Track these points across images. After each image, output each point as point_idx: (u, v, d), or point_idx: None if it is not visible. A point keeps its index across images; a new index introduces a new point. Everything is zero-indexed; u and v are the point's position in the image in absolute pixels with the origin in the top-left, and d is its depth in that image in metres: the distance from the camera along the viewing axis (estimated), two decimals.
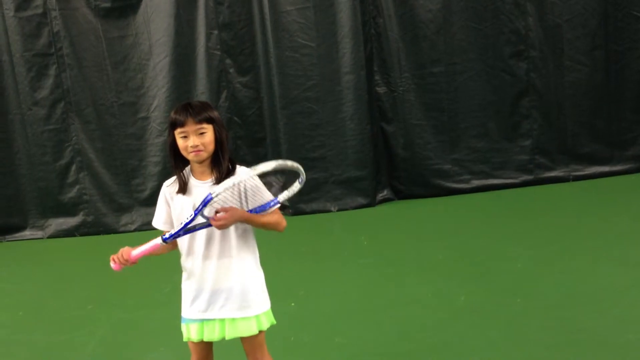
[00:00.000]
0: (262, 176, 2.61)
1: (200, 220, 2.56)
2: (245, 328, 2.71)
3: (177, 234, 2.57)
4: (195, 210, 2.52)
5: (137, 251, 2.61)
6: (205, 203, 2.49)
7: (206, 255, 2.68)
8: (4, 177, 8.14)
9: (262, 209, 2.66)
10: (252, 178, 2.62)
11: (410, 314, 4.34)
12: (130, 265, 2.64)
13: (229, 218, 2.53)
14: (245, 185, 2.63)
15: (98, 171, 8.03)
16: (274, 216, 2.72)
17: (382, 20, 7.61)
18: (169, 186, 2.77)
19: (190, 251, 2.70)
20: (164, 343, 4.20)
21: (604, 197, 6.91)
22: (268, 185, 2.68)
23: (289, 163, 2.63)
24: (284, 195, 2.70)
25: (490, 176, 7.79)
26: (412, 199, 7.86)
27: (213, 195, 2.48)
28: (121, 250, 2.64)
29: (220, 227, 2.54)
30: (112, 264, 2.66)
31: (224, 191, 2.51)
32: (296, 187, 2.70)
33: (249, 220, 2.63)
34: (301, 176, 2.68)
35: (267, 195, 2.68)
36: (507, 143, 7.75)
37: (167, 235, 2.57)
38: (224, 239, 2.67)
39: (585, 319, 3.90)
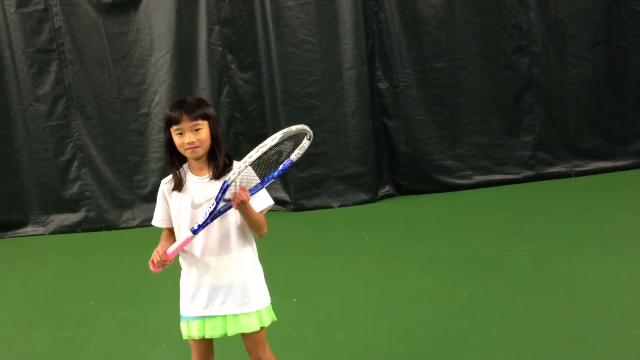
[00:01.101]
0: (272, 147, 2.58)
1: (220, 205, 2.57)
2: (247, 324, 2.71)
3: (206, 223, 2.56)
4: (216, 198, 2.52)
5: (172, 249, 2.61)
6: (224, 190, 2.50)
7: (205, 252, 2.67)
8: (6, 173, 8.15)
9: (257, 189, 2.63)
10: (247, 167, 2.59)
11: (412, 309, 4.34)
12: (168, 264, 2.64)
13: (247, 194, 2.53)
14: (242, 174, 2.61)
15: (100, 167, 8.03)
16: (262, 217, 2.71)
17: (384, 16, 7.59)
18: (167, 183, 2.77)
19: (189, 247, 2.70)
20: (166, 339, 4.21)
21: (607, 193, 6.89)
22: (278, 155, 2.67)
23: (294, 128, 2.60)
24: (295, 154, 2.68)
25: (492, 172, 7.77)
26: (414, 195, 7.85)
27: (229, 182, 2.49)
28: (155, 252, 2.63)
29: (239, 206, 2.53)
30: (151, 267, 2.66)
31: (238, 175, 2.50)
32: (306, 143, 2.68)
33: (248, 209, 2.59)
34: (308, 133, 2.66)
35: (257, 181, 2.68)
36: (509, 139, 7.74)
37: (195, 227, 2.56)
38: (224, 235, 2.67)
39: (589, 314, 3.89)
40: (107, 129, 7.98)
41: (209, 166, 2.69)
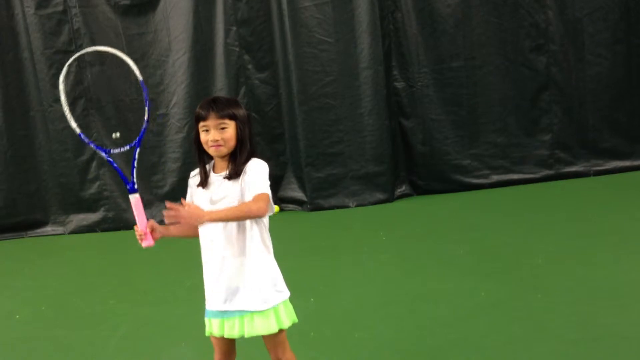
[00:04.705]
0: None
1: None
2: (263, 326, 2.68)
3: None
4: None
5: (137, 220, 2.76)
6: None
7: (224, 255, 2.67)
8: (26, 173, 8.24)
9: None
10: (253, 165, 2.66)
11: (430, 309, 4.34)
12: (148, 231, 2.78)
13: (179, 217, 2.57)
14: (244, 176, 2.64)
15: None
16: (245, 205, 2.58)
17: (401, 15, 7.60)
18: (193, 178, 2.80)
19: (208, 249, 2.72)
20: (185, 338, 4.23)
21: (625, 192, 6.85)
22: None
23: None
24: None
25: (510, 171, 7.75)
26: (431, 195, 7.85)
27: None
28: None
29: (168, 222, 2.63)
30: (144, 244, 2.76)
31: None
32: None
33: (212, 220, 2.56)
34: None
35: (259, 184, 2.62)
36: (527, 138, 7.71)
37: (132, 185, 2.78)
38: (242, 238, 2.67)
39: (608, 314, 3.87)
40: (125, 129, 8.02)
41: (228, 166, 2.71)
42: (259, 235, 2.70)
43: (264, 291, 2.69)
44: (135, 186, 2.74)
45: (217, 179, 2.71)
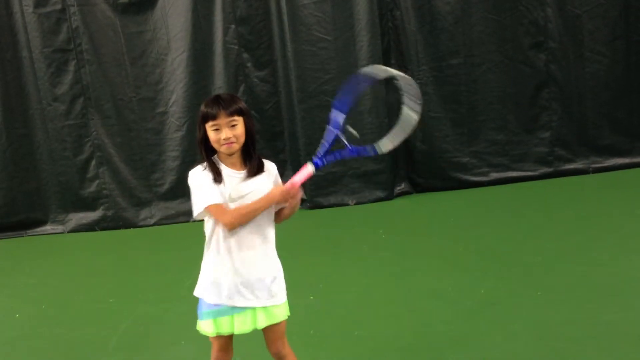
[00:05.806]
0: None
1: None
2: (277, 314, 2.76)
3: (326, 157, 2.81)
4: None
5: (297, 180, 2.69)
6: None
7: (242, 246, 2.68)
8: (25, 172, 8.22)
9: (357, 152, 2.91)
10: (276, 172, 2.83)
11: (430, 307, 4.34)
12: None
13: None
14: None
15: (117, 166, 8.09)
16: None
17: (400, 13, 7.58)
18: (203, 172, 2.69)
19: (225, 241, 2.68)
20: (185, 336, 4.23)
21: (625, 189, 6.85)
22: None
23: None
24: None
25: (509, 169, 7.75)
26: (430, 192, 7.84)
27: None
28: (286, 190, 2.68)
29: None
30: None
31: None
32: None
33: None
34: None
35: None
36: (527, 135, 7.71)
37: (317, 160, 2.76)
38: (259, 229, 2.70)
39: (608, 311, 3.87)
40: (124, 128, 8.03)
41: (242, 162, 2.73)
42: (272, 227, 2.79)
43: (277, 285, 2.76)
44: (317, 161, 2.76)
45: (235, 175, 2.70)
